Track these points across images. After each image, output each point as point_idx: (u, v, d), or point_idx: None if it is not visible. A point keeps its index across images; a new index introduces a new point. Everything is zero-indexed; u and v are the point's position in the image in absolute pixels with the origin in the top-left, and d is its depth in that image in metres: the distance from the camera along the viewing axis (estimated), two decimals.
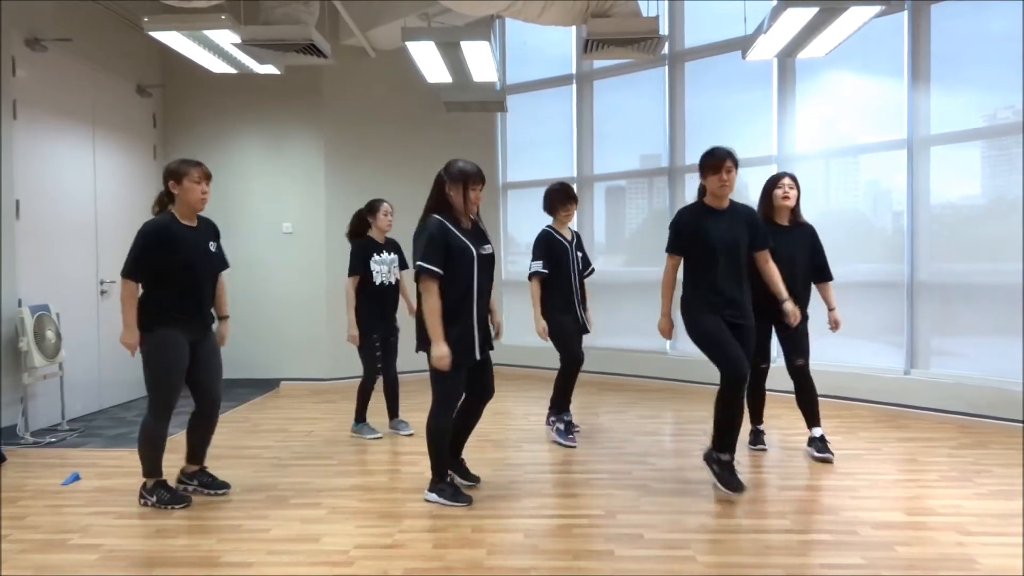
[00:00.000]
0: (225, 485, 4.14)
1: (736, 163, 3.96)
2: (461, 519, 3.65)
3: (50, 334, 5.42)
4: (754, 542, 3.34)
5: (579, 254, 5.23)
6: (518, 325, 7.16)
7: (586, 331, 5.20)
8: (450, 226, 3.73)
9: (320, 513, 3.77)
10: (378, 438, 5.27)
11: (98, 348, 6.27)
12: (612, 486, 4.14)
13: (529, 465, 4.64)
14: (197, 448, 4.13)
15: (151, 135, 7.20)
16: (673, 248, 4.11)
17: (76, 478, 4.39)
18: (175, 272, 3.80)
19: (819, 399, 4.63)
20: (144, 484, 3.97)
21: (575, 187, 7.80)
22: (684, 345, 7.05)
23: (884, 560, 3.12)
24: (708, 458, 4.09)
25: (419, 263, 3.67)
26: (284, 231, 7.54)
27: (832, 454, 4.58)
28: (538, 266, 5.08)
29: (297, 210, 7.45)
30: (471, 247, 3.73)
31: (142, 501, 3.95)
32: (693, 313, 4.02)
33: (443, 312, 3.67)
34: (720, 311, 3.95)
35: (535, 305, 5.06)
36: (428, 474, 3.93)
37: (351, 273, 5.15)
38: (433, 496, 3.88)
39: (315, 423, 5.84)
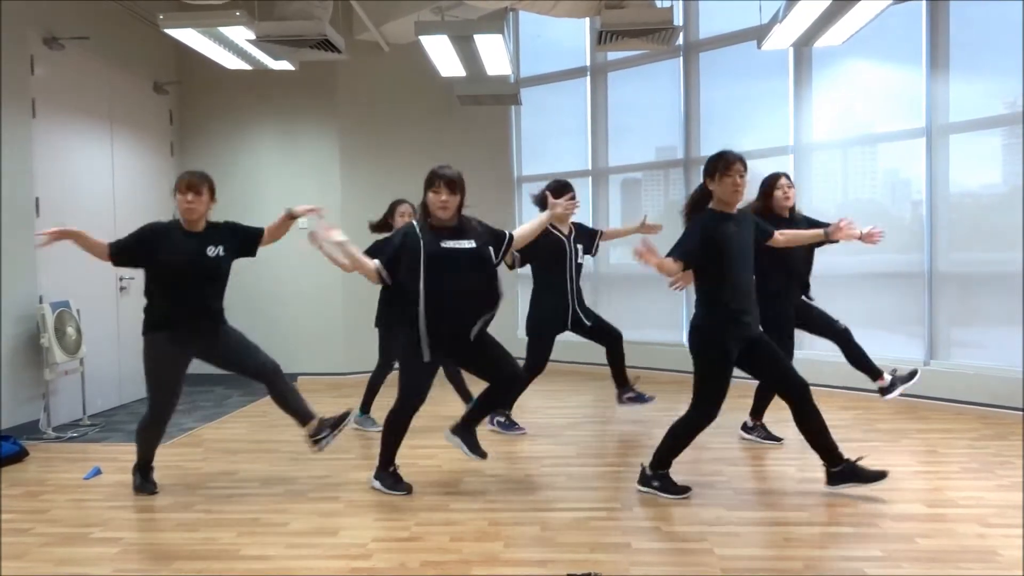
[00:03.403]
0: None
1: (746, 166, 3.70)
2: (478, 512, 3.66)
3: (71, 330, 5.48)
4: (772, 534, 3.33)
5: (579, 246, 5.17)
6: None
7: (585, 325, 5.14)
8: (416, 228, 3.86)
9: (338, 507, 3.80)
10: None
11: (118, 344, 6.33)
12: (629, 479, 4.13)
13: (545, 458, 4.64)
14: (295, 413, 4.18)
15: (168, 132, 7.24)
16: (686, 256, 3.68)
17: (97, 472, 4.44)
18: (159, 274, 3.93)
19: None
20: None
21: (590, 180, 7.78)
22: None
23: (904, 552, 3.10)
24: (648, 480, 3.88)
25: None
26: (299, 226, 7.52)
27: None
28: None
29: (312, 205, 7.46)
30: (422, 243, 3.78)
31: (134, 479, 4.12)
32: (716, 340, 3.70)
33: (405, 306, 3.81)
34: (736, 334, 3.72)
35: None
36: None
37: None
38: (377, 483, 3.97)
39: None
